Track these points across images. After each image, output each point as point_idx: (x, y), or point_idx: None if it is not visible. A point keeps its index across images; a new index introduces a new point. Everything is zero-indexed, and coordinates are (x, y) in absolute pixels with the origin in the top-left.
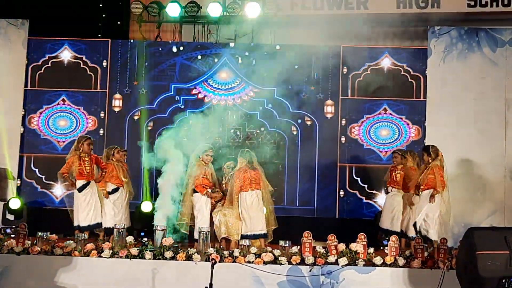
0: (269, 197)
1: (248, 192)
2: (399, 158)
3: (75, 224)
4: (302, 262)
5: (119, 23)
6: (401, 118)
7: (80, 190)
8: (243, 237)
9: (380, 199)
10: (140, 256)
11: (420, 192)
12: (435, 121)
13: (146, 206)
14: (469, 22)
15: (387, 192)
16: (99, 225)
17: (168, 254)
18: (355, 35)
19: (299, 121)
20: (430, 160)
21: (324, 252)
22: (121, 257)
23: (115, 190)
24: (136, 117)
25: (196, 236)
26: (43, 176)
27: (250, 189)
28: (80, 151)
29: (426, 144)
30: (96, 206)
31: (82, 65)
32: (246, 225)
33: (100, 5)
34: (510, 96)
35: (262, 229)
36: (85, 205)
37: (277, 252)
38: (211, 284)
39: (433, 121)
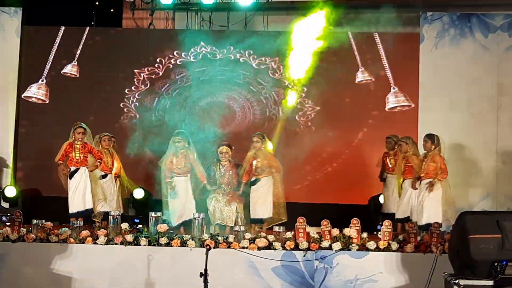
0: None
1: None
2: (392, 144)
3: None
4: (296, 247)
5: (112, 10)
6: None
7: (70, 177)
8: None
9: None
10: (135, 242)
11: (421, 182)
12: (428, 107)
13: (138, 193)
14: (461, 8)
15: (382, 179)
16: (89, 211)
17: (163, 240)
18: None
19: None
20: (433, 148)
21: (318, 237)
22: (116, 243)
23: (104, 176)
24: None
25: None
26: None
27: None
28: (73, 138)
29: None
30: (86, 192)
31: None
32: (255, 210)
33: None
34: (502, 81)
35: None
36: (73, 192)
37: (271, 237)
38: (205, 270)
39: (425, 107)
